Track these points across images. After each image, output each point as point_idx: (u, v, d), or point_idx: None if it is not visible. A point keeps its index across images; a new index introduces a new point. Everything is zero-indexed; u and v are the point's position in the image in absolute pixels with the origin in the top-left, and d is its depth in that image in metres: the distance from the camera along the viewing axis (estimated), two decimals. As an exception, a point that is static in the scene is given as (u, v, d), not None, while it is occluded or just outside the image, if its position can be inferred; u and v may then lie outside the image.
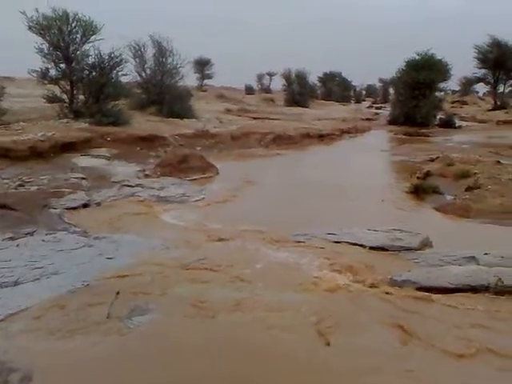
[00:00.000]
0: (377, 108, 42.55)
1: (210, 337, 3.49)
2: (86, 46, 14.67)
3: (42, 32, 13.95)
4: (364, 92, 66.03)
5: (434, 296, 4.13)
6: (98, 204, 7.44)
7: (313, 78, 41.67)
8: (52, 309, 3.83)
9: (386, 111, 32.42)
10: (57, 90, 14.48)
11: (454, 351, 3.27)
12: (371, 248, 5.50)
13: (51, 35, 14.06)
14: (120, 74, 15.30)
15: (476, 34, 79.98)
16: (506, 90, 37.79)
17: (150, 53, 19.08)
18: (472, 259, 4.92)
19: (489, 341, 3.42)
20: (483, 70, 35.55)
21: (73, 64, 14.43)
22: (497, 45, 33.51)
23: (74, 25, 14.34)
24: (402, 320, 3.68)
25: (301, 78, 34.67)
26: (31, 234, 5.76)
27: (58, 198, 7.43)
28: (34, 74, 14.57)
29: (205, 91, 35.27)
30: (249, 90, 45.75)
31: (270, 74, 47.96)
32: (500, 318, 3.81)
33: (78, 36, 14.49)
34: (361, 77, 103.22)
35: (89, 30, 14.50)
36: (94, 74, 14.56)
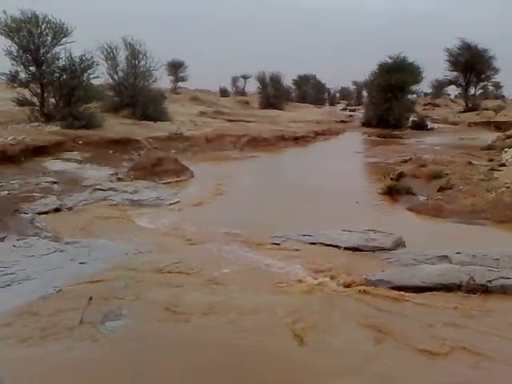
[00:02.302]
0: (351, 110, 42.97)
1: (184, 341, 3.45)
2: (57, 49, 14.46)
3: (10, 34, 13.67)
4: (338, 95, 66.54)
5: (408, 295, 4.17)
6: (70, 208, 7.31)
7: (287, 81, 41.85)
8: (23, 315, 3.75)
9: (360, 113, 32.77)
10: (27, 93, 14.21)
11: (427, 350, 3.31)
12: (346, 249, 5.53)
13: (20, 37, 13.81)
14: (92, 76, 15.08)
15: (448, 37, 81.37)
16: (477, 93, 38.71)
17: (122, 55, 18.88)
18: (444, 258, 4.99)
19: (461, 339, 3.47)
20: (454, 73, 36.31)
21: (43, 67, 14.18)
22: (467, 48, 34.22)
23: (43, 27, 14.10)
24: (376, 319, 3.71)
25: (275, 80, 34.73)
26: (1, 239, 5.63)
27: (29, 202, 7.29)
28: (3, 77, 14.28)
29: (179, 94, 35.08)
30: (223, 93, 45.69)
31: (245, 77, 48.02)
32: (472, 315, 3.87)
33: (49, 38, 14.25)
34: (335, 80, 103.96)
35: (59, 32, 14.27)
36: (64, 76, 14.33)
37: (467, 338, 3.48)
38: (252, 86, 41.95)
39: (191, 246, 5.70)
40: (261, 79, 35.11)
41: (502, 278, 4.36)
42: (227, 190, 9.30)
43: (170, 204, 7.99)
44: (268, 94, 33.55)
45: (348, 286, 4.46)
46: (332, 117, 31.44)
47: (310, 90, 49.63)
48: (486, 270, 4.50)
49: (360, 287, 4.39)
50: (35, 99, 14.26)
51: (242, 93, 46.92)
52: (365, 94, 41.13)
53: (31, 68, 14.18)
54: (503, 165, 10.58)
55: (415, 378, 3.06)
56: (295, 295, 4.23)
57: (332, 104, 56.12)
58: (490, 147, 15.17)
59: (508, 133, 16.37)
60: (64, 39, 14.43)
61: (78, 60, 14.48)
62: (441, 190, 8.46)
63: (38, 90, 14.23)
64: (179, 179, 10.18)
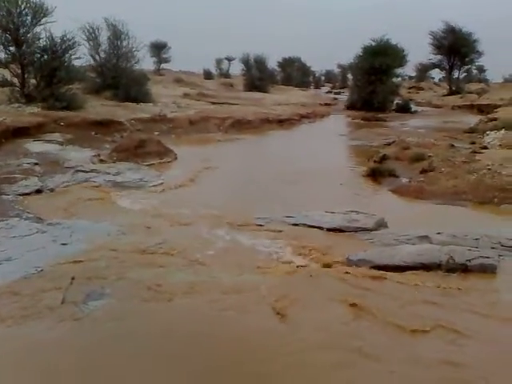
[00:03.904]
0: (335, 93, 42.84)
1: (166, 320, 3.47)
2: (37, 29, 14.14)
3: (-12, 14, 13.35)
4: (323, 77, 66.35)
5: (388, 274, 4.22)
6: (52, 190, 7.23)
7: (272, 63, 41.57)
8: (4, 295, 3.72)
9: (345, 96, 32.74)
10: (7, 73, 13.93)
11: (406, 327, 3.36)
12: (328, 230, 5.58)
13: (-1, 17, 13.49)
14: (73, 57, 14.80)
15: (432, 20, 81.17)
16: (461, 76, 38.83)
17: (104, 36, 18.59)
18: (425, 238, 5.06)
19: (440, 317, 3.52)
20: (438, 56, 36.40)
21: (23, 47, 13.89)
22: (451, 31, 34.28)
23: (23, 7, 13.78)
24: (357, 298, 3.75)
25: (260, 62, 34.48)
26: (-18, 221, 5.56)
27: (10, 184, 7.20)
28: (-18, 58, 13.97)
29: (162, 75, 34.65)
30: (207, 75, 45.20)
31: (229, 59, 47.51)
32: (451, 294, 3.93)
33: (28, 18, 13.93)
34: (320, 62, 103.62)
35: (39, 12, 13.96)
36: (45, 57, 14.05)
37: (446, 316, 3.54)
38: (236, 69, 41.59)
39: (175, 227, 5.69)
40: (245, 61, 34.81)
41: (482, 257, 4.43)
42: (211, 173, 9.27)
43: (153, 186, 7.94)
44: (252, 77, 33.30)
45: (330, 265, 4.51)
46: (317, 100, 31.35)
47: (295, 73, 49.37)
48: (466, 250, 4.57)
49: (342, 267, 4.44)
50: (15, 80, 13.98)
51: (227, 75, 46.48)
52: (350, 77, 41.08)
53: (11, 48, 13.87)
54: (485, 147, 10.69)
55: (393, 354, 3.11)
56: (278, 275, 4.26)
57: (317, 87, 55.90)
58: (472, 130, 15.29)
59: (490, 116, 16.51)
60: (44, 19, 14.11)
61: (59, 40, 14.18)
62: (423, 172, 8.54)
63: (19, 71, 13.94)
64: (162, 161, 10.11)
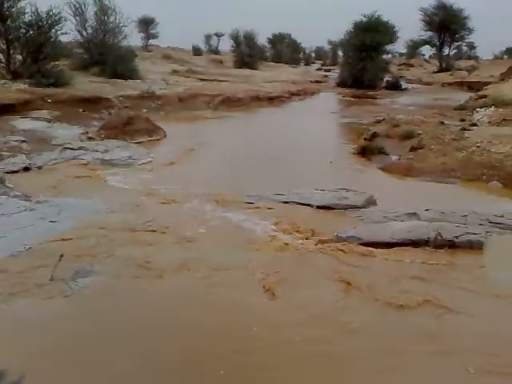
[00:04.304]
0: (326, 70, 42.56)
1: (155, 295, 3.48)
2: (22, 3, 13.86)
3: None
4: (313, 54, 65.82)
5: (377, 251, 4.26)
6: (40, 167, 7.17)
7: (262, 40, 41.12)
8: (-9, 273, 3.70)
9: (335, 74, 32.56)
10: (-8, 49, 13.68)
11: (394, 302, 3.40)
12: (318, 207, 5.59)
13: (-18, -9, 13.19)
14: (59, 33, 14.62)
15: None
16: (451, 53, 38.74)
17: (91, 11, 18.25)
18: (413, 215, 5.09)
19: (427, 292, 3.57)
20: (429, 33, 36.20)
21: (8, 22, 13.61)
22: (442, 7, 34.05)
23: (7, -20, 13.47)
24: (346, 274, 3.78)
25: (249, 39, 34.06)
26: (-31, 199, 5.49)
27: (-3, 161, 7.11)
28: (-34, 33, 13.68)
29: (150, 52, 34.16)
30: (196, 51, 44.62)
31: (218, 35, 46.84)
32: (439, 270, 3.98)
33: (13, -8, 13.64)
34: (310, 39, 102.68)
35: (24, -15, 13.66)
36: (31, 32, 13.83)
37: (433, 292, 3.58)
38: (226, 45, 41.10)
39: (164, 205, 5.67)
40: (235, 37, 34.40)
41: (469, 233, 4.47)
42: (200, 151, 9.22)
43: (142, 164, 7.90)
44: (242, 53, 32.96)
45: (319, 242, 4.52)
46: (307, 77, 31.14)
47: (285, 50, 48.92)
48: (454, 227, 4.61)
49: (331, 244, 4.46)
50: (1, 56, 13.74)
51: (216, 51, 45.93)
52: (340, 53, 40.80)
53: (-5, 23, 13.61)
54: (474, 124, 10.71)
55: (381, 329, 3.15)
56: (267, 252, 4.28)
57: (307, 64, 55.47)
58: (462, 107, 15.31)
59: (480, 93, 16.49)
60: (29, -7, 13.84)
61: (44, 15, 13.94)
62: (413, 149, 8.54)
63: (4, 47, 13.74)
64: (151, 139, 10.04)
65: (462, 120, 11.92)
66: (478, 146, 7.89)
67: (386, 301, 3.41)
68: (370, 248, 4.31)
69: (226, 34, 38.60)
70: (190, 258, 4.04)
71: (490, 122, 11.05)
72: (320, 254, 4.24)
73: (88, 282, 3.59)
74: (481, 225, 4.80)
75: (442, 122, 10.99)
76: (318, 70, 45.43)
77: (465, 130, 9.50)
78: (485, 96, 15.10)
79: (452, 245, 4.35)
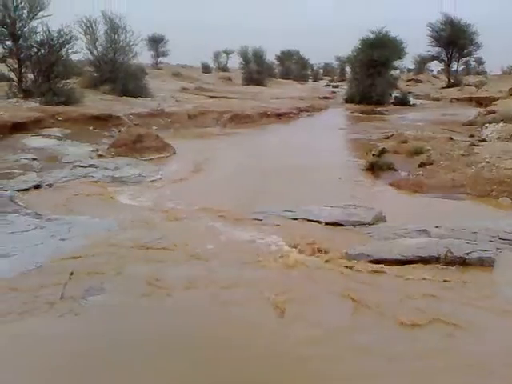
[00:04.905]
0: (334, 87, 42.71)
1: (165, 314, 3.48)
2: (34, 23, 14.17)
3: (-16, 8, 13.34)
4: (321, 70, 66.24)
5: (387, 268, 4.23)
6: (50, 185, 7.23)
7: (270, 57, 41.55)
8: (2, 291, 3.72)
9: (343, 90, 32.67)
10: (4, 68, 13.91)
11: (405, 321, 3.37)
12: (327, 224, 5.58)
13: (-5, 11, 13.48)
14: (70, 51, 14.85)
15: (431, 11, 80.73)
16: (460, 68, 38.85)
17: (101, 30, 18.55)
18: (423, 232, 5.06)
19: (439, 310, 3.54)
20: (437, 49, 36.29)
21: (20, 41, 13.89)
22: (450, 23, 34.18)
23: (19, 0, 13.76)
24: (356, 292, 3.76)
25: (258, 56, 34.42)
26: (-20, 217, 5.55)
27: (9, 179, 7.20)
28: (-21, 53, 13.97)
29: (160, 69, 34.60)
30: (205, 69, 45.16)
31: (227, 52, 47.43)
32: (449, 287, 3.94)
33: (25, 12, 13.95)
34: (318, 55, 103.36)
35: (35, 5, 13.94)
36: (42, 51, 14.06)
37: (444, 310, 3.55)
38: (235, 62, 41.51)
39: (173, 222, 5.68)
40: (243, 55, 34.75)
41: (480, 250, 4.44)
42: (209, 167, 9.27)
43: (152, 181, 7.95)
44: (251, 70, 33.26)
45: (329, 260, 4.51)
46: (315, 93, 31.28)
47: (294, 66, 49.30)
48: (464, 243, 4.58)
49: (340, 261, 4.44)
50: (13, 75, 13.98)
51: (225, 69, 46.42)
52: (348, 69, 40.99)
53: (8, 42, 13.91)
54: (483, 140, 10.70)
55: (391, 347, 3.13)
56: (276, 270, 4.27)
57: (315, 80, 55.79)
58: (471, 123, 15.29)
59: (489, 108, 16.49)
60: (41, 13, 14.19)
61: (56, 34, 14.20)
62: (421, 165, 8.54)
63: (16, 66, 13.96)
64: (161, 156, 10.11)
65: (471, 136, 11.91)
66: (488, 162, 7.87)
67: (397, 319, 3.39)
68: (379, 265, 4.29)
69: (235, 51, 39.02)
70: (198, 275, 4.05)
71: (499, 137, 11.02)
72: (329, 272, 4.23)
73: (98, 300, 3.60)
74: (491, 241, 4.76)
75: (451, 138, 10.98)
76: (326, 86, 45.62)
77: (474, 145, 9.49)
78: (494, 111, 15.10)
79: (462, 262, 4.32)
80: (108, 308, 3.54)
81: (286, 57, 49.59)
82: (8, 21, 13.65)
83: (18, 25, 13.84)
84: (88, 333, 3.26)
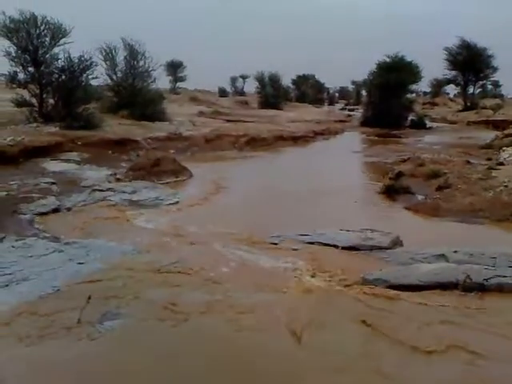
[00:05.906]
0: (350, 110, 42.93)
1: (182, 339, 3.48)
2: (56, 50, 14.53)
3: (9, 35, 13.74)
4: (337, 94, 66.64)
5: (404, 294, 4.19)
6: (69, 209, 7.32)
7: (286, 81, 41.94)
8: (21, 315, 3.76)
9: (359, 113, 32.77)
10: (26, 93, 14.24)
11: (422, 348, 3.32)
12: (343, 248, 5.56)
13: (19, 38, 13.88)
14: (90, 77, 15.13)
15: (448, 34, 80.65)
16: (476, 91, 38.66)
17: (121, 56, 18.92)
18: (441, 257, 5.01)
19: (458, 337, 3.48)
20: (453, 72, 36.27)
21: (42, 67, 14.25)
22: (466, 47, 34.22)
23: (42, 28, 14.18)
24: (373, 318, 3.72)
25: (274, 80, 34.81)
26: (0, 240, 5.63)
27: (28, 203, 7.29)
28: (2, 78, 14.36)
29: (178, 94, 35.15)
30: (222, 93, 45.73)
31: (244, 77, 48.07)
32: (468, 314, 3.88)
33: (47, 39, 14.33)
34: (334, 79, 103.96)
35: (58, 33, 14.33)
36: (63, 77, 14.38)
37: (463, 337, 3.49)
38: (251, 86, 42.03)
39: (190, 245, 5.71)
40: (260, 79, 35.15)
41: (499, 276, 4.38)
42: (226, 191, 9.32)
43: (169, 204, 8.00)
44: (267, 94, 33.58)
45: (345, 285, 4.48)
46: (331, 116, 31.44)
47: (309, 90, 49.66)
48: (483, 269, 4.52)
49: (357, 286, 4.41)
50: (34, 100, 14.30)
51: (241, 93, 46.96)
52: (364, 93, 41.15)
53: (30, 69, 14.27)
54: (501, 163, 10.59)
55: (409, 375, 3.08)
56: (293, 294, 4.25)
57: (331, 103, 56.12)
58: (488, 146, 15.20)
59: (506, 131, 16.38)
60: (62, 40, 14.55)
61: (76, 61, 14.53)
62: (439, 189, 8.48)
63: (37, 91, 14.27)
64: (178, 179, 10.19)
65: (489, 159, 11.82)
66: (506, 186, 7.79)
67: (415, 346, 3.34)
68: (397, 291, 4.24)
69: (251, 75, 39.51)
70: (215, 300, 4.05)
71: (517, 160, 10.92)
72: (346, 297, 4.20)
73: (115, 325, 3.61)
74: (510, 267, 4.69)
75: (468, 161, 10.92)
76: (341, 109, 45.88)
77: (491, 169, 9.41)
78: (511, 135, 14.98)
79: (481, 288, 4.26)
80: (124, 333, 3.55)
81: (301, 81, 49.99)
82: (31, 48, 14.02)
83: (40, 51, 14.20)
84: (104, 357, 3.27)
